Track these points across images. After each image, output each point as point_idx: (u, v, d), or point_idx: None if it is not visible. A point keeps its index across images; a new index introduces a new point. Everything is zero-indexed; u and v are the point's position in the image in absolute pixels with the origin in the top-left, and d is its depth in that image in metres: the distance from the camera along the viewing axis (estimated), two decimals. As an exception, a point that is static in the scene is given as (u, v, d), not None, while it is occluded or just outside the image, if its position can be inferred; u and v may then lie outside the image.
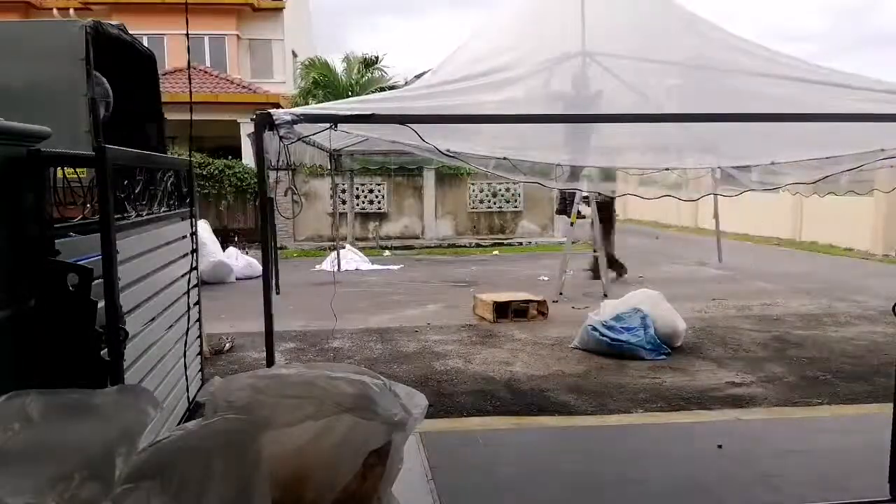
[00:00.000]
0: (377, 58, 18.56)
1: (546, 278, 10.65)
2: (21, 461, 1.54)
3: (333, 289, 4.69)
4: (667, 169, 3.96)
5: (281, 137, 3.00)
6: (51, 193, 2.36)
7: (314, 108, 3.46)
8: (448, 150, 3.39)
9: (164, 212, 3.55)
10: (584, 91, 3.89)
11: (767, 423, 4.54)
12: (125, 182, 2.98)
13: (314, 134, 3.10)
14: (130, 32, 4.17)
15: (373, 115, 2.96)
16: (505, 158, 3.78)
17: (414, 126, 2.91)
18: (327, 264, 12.99)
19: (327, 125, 2.96)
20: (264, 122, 2.82)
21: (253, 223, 15.38)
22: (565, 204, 10.54)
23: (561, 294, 9.29)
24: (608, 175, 4.16)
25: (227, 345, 6.57)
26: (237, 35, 21.12)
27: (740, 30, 3.77)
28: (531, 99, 3.56)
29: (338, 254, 13.14)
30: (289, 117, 2.88)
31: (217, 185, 15.90)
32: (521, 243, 16.53)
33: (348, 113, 3.00)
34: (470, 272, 12.06)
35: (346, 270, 12.65)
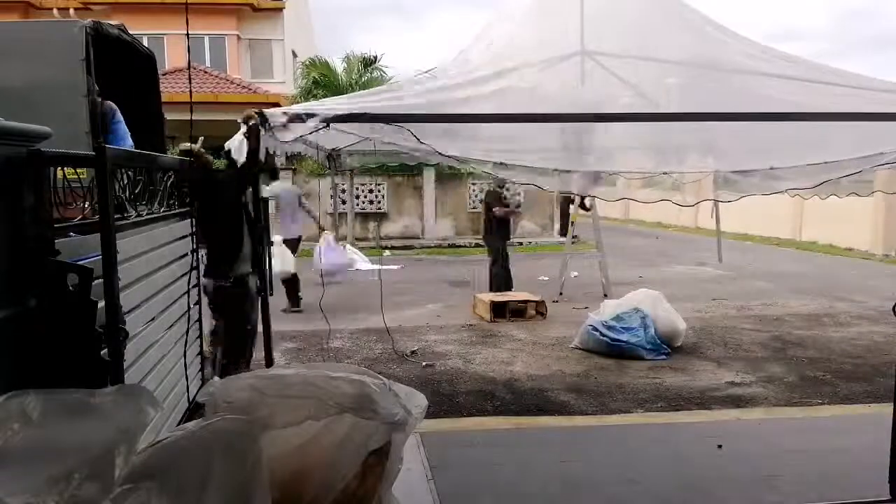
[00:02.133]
0: (376, 57, 18.54)
1: (546, 278, 10.64)
2: (20, 461, 1.54)
3: (324, 288, 4.70)
4: (665, 173, 3.95)
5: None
6: (51, 193, 2.36)
7: (306, 106, 3.45)
8: (445, 152, 3.38)
9: (164, 212, 3.55)
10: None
11: (767, 423, 4.54)
12: (125, 182, 2.98)
13: (310, 133, 3.09)
14: (130, 32, 4.18)
15: (366, 114, 2.95)
16: (501, 164, 3.77)
17: (411, 126, 2.90)
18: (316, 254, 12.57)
19: (322, 124, 2.95)
20: (260, 122, 2.81)
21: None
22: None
23: (561, 294, 9.29)
24: (601, 178, 4.13)
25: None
26: (237, 35, 21.12)
27: (742, 28, 3.77)
28: (530, 99, 3.56)
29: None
30: (284, 118, 2.88)
31: (217, 185, 15.90)
32: (521, 243, 16.52)
33: (343, 112, 2.99)
34: (470, 272, 12.05)
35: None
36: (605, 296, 9.19)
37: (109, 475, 1.54)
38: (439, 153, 3.29)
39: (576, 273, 10.59)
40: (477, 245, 16.43)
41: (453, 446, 4.01)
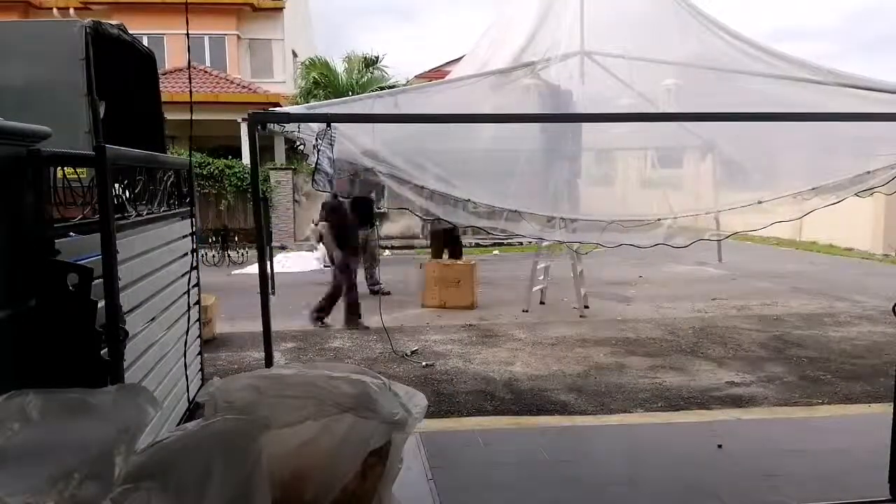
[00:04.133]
0: (377, 58, 18.55)
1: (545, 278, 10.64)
2: (20, 460, 1.54)
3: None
4: (658, 220, 3.98)
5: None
6: (51, 193, 2.36)
7: (308, 106, 3.47)
8: (436, 191, 3.41)
9: (164, 212, 3.55)
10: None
11: (767, 423, 4.54)
12: (125, 182, 2.98)
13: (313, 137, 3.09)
14: (130, 32, 4.18)
15: (371, 114, 2.96)
16: (516, 211, 3.77)
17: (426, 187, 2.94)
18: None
19: (323, 123, 2.96)
20: (258, 122, 2.82)
21: (253, 223, 15.42)
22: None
23: (542, 303, 8.73)
24: (596, 225, 4.11)
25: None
26: (237, 35, 21.12)
27: (750, 25, 3.78)
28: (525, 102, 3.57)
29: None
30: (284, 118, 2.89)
31: (217, 185, 15.92)
32: (520, 243, 16.49)
33: (344, 112, 3.00)
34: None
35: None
36: (586, 307, 8.15)
37: (109, 475, 1.54)
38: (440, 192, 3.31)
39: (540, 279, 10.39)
40: (477, 245, 16.44)
41: (453, 446, 4.00)
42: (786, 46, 3.77)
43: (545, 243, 7.49)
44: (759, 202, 3.83)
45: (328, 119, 2.92)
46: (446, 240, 9.40)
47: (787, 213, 3.83)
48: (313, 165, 2.91)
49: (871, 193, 3.99)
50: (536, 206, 3.85)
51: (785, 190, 3.81)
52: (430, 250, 9.89)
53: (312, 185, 3.00)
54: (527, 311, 8.34)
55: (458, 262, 9.05)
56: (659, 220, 4.00)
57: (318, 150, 2.88)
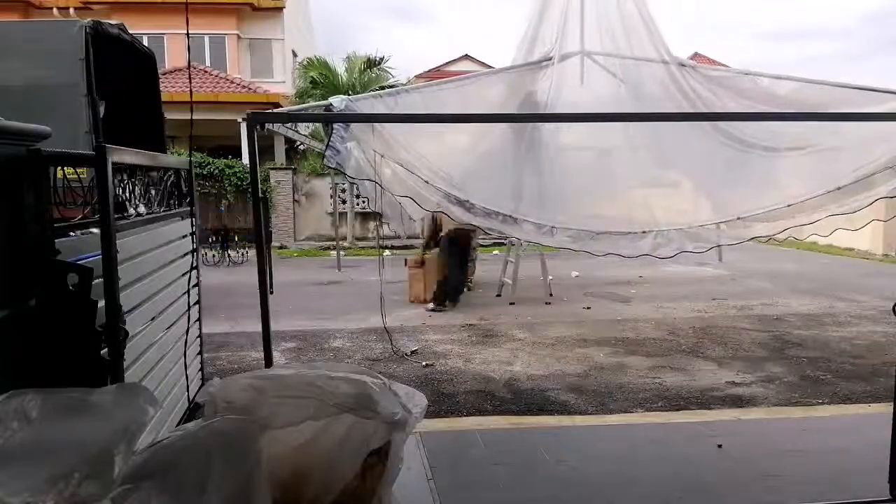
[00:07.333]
0: (382, 58, 18.53)
1: (552, 277, 10.63)
2: (20, 460, 1.54)
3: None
4: (643, 232, 3.98)
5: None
6: (51, 193, 2.36)
7: (304, 107, 3.47)
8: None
9: (164, 211, 3.55)
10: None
11: (767, 423, 4.54)
12: (125, 182, 2.98)
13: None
14: (130, 32, 4.18)
15: (370, 114, 2.96)
16: (510, 216, 3.75)
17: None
18: None
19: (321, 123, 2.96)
20: (256, 122, 2.82)
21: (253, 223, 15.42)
22: None
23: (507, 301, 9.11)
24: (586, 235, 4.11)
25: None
26: (237, 35, 21.12)
27: (760, 25, 3.75)
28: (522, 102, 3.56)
29: (338, 253, 13.15)
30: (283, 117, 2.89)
31: (217, 184, 15.92)
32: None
33: (339, 112, 3.00)
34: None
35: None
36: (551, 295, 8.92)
37: (109, 474, 1.54)
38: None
39: (577, 273, 10.57)
40: (478, 244, 16.40)
41: (453, 446, 4.01)
42: (789, 45, 3.75)
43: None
44: (738, 218, 3.82)
45: (326, 119, 2.93)
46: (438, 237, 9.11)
47: (768, 228, 3.82)
48: (326, 141, 2.90)
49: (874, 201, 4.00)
50: (532, 212, 3.84)
51: (753, 234, 3.81)
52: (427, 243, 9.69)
53: (323, 160, 3.00)
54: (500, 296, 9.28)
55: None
56: (644, 232, 4.00)
57: (332, 128, 2.86)
